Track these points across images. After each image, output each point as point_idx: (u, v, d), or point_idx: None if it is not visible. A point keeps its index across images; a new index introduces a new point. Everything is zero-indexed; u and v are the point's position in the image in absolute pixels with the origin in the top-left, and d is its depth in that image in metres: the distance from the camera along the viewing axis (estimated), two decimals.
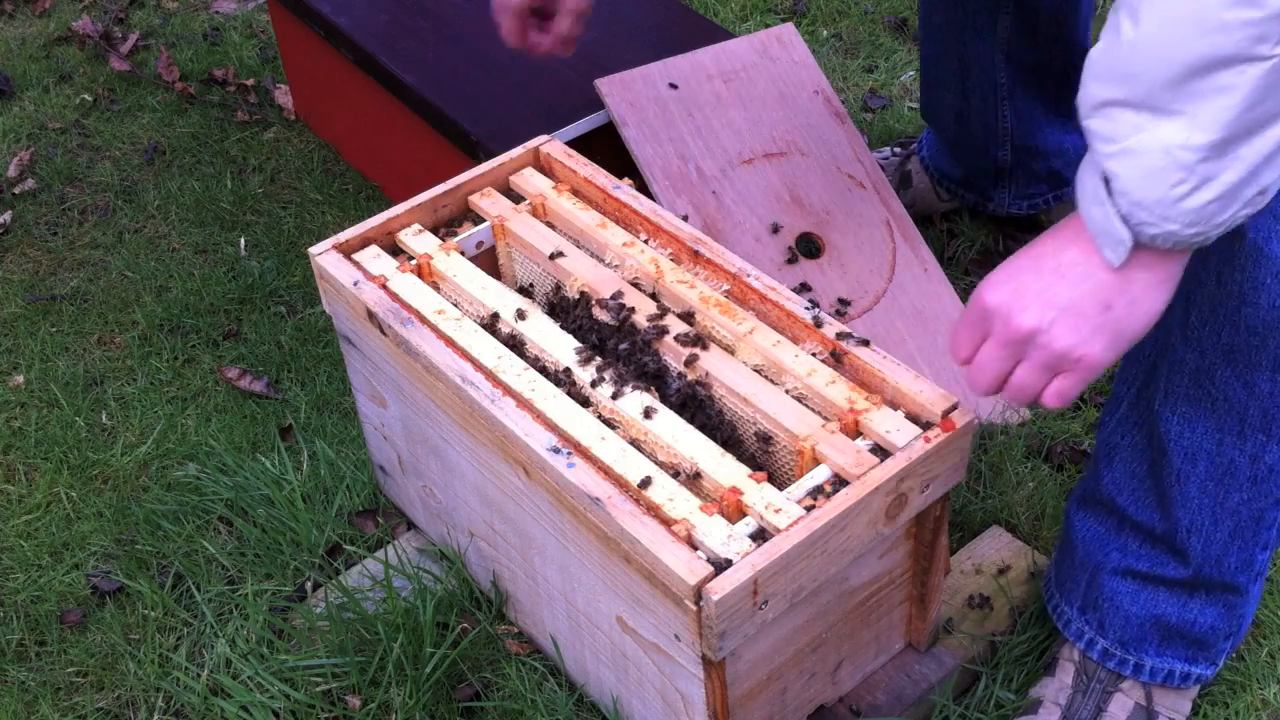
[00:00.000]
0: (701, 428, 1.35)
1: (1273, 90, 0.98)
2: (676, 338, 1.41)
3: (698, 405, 1.38)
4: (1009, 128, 2.02)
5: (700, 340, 1.41)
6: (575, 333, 1.46)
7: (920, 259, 1.93)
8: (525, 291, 1.59)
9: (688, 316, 1.45)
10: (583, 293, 1.49)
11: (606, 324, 1.45)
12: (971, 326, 1.20)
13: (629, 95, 1.93)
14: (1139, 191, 1.05)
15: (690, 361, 1.39)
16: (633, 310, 1.45)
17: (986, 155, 2.06)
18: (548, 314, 1.48)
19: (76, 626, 1.70)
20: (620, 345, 1.43)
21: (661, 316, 1.44)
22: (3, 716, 1.61)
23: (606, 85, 1.93)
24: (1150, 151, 1.03)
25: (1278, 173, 1.04)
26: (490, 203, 1.60)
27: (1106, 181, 1.07)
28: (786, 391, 1.36)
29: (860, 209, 1.95)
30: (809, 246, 1.92)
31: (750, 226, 1.89)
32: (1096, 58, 1.05)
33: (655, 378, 1.41)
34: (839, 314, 1.86)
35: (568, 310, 1.50)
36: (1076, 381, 1.16)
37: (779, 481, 1.33)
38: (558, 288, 1.54)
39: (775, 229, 1.89)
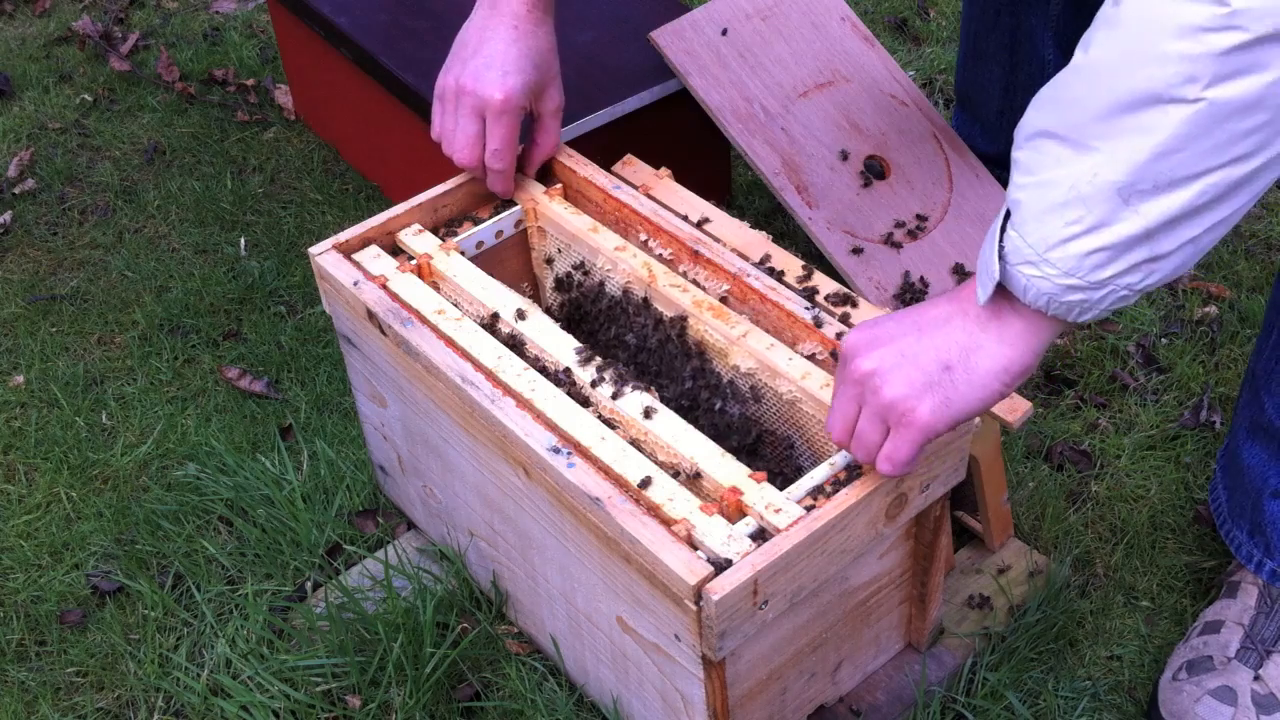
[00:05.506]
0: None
1: (1189, 142, 0.96)
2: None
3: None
4: None
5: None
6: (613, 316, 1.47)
7: (970, 165, 2.00)
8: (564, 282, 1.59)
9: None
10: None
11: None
12: (836, 376, 1.20)
13: (684, 44, 1.96)
14: (1032, 224, 1.03)
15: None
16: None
17: None
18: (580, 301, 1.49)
19: (76, 626, 1.70)
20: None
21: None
22: (3, 716, 1.61)
23: (662, 37, 1.96)
24: (1058, 186, 1.01)
25: (1174, 247, 1.02)
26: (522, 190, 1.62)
27: (1008, 215, 1.06)
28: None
29: (908, 126, 2.01)
30: (875, 168, 1.99)
31: (822, 157, 1.96)
32: (1044, 88, 1.05)
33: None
34: (919, 229, 1.93)
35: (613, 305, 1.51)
36: (904, 443, 1.14)
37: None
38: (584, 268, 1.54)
39: (844, 156, 1.97)
